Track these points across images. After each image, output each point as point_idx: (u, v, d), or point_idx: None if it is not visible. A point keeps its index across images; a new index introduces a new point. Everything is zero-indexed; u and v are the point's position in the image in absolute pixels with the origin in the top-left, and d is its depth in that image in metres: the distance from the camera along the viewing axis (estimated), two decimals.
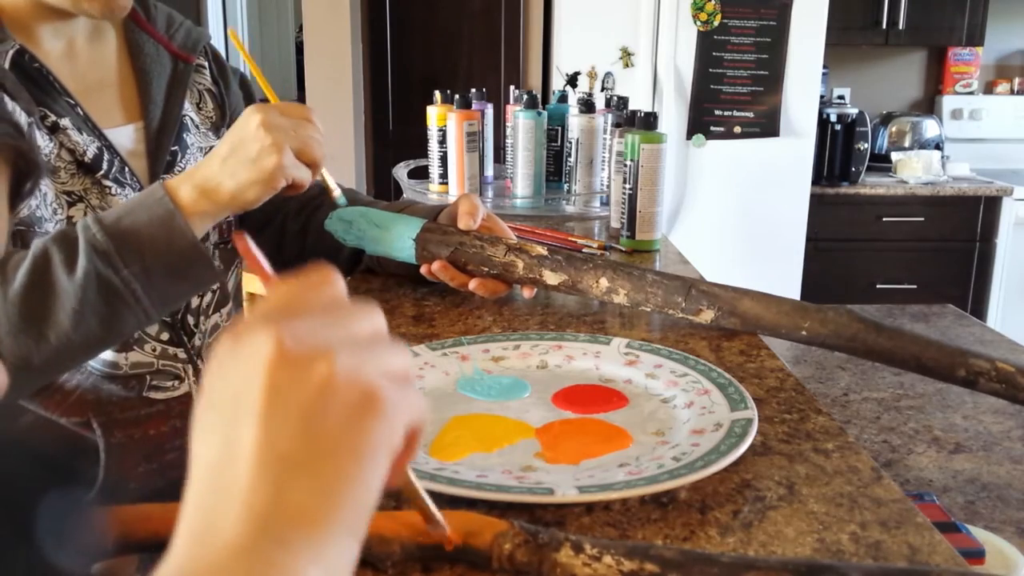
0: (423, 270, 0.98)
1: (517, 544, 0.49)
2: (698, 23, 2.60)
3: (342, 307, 0.37)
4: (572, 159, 1.64)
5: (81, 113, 0.84)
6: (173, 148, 0.93)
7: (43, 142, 0.80)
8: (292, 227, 1.07)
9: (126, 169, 0.87)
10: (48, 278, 0.67)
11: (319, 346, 0.34)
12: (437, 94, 1.71)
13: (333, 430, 0.33)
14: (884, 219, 3.11)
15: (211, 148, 0.99)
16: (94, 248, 0.67)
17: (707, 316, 0.90)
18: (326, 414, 0.33)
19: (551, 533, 0.50)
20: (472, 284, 0.96)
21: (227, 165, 0.76)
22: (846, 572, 0.47)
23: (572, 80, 2.04)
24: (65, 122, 0.82)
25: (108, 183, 0.84)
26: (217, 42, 5.47)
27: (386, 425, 0.35)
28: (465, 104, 1.61)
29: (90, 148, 0.83)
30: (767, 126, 2.70)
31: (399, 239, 0.99)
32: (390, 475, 0.36)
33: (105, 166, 0.84)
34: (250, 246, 0.39)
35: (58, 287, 0.67)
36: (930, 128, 3.36)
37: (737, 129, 2.70)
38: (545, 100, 2.30)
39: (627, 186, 1.27)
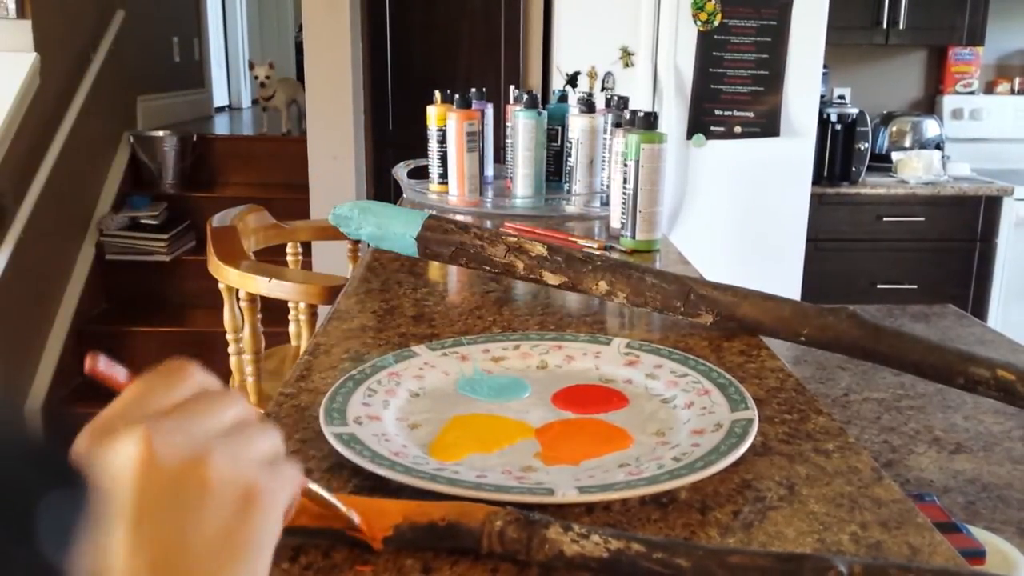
0: None
1: (508, 521, 0.50)
2: (698, 23, 2.60)
3: (203, 397, 0.35)
4: (572, 159, 1.63)
5: None
6: None
7: None
8: None
9: None
10: None
11: (191, 445, 0.33)
12: (437, 94, 1.71)
13: (213, 534, 0.32)
14: (884, 219, 3.11)
15: None
16: None
17: (706, 320, 0.90)
18: (205, 518, 0.32)
19: (542, 516, 0.51)
20: None
21: None
22: (829, 561, 0.47)
23: (572, 80, 2.04)
24: None
25: None
26: (216, 41, 5.47)
27: (267, 519, 0.34)
28: (465, 104, 1.60)
29: None
30: (767, 126, 2.70)
31: (401, 239, 0.99)
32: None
33: None
34: (100, 368, 0.36)
35: None
36: (930, 128, 3.36)
37: (737, 129, 2.69)
38: (545, 100, 2.30)
39: (627, 186, 1.27)
